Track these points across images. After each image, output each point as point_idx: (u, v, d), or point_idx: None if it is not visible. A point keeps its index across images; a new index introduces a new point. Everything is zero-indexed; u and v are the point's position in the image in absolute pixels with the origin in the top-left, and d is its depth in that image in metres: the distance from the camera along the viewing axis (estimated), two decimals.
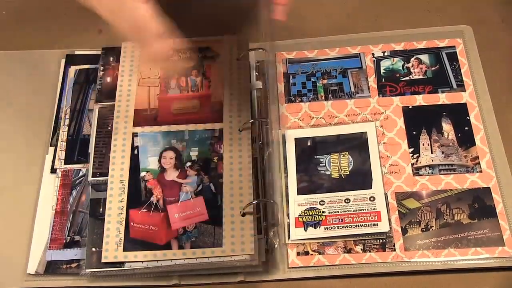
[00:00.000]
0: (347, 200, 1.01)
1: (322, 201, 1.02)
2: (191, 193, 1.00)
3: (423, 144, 1.05)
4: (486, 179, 1.03)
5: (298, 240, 0.99)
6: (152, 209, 0.99)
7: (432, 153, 1.05)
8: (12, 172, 1.08)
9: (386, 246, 0.98)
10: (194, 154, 1.03)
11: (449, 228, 0.99)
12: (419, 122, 1.07)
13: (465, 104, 1.09)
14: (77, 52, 1.18)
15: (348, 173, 1.04)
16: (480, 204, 1.01)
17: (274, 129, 1.08)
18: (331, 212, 1.01)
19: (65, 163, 1.07)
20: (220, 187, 1.00)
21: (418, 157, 1.05)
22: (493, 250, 0.97)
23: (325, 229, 1.00)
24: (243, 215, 0.98)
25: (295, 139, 1.07)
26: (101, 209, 1.01)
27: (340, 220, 1.00)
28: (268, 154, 1.06)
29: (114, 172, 1.02)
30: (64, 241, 1.01)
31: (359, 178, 1.03)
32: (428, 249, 0.97)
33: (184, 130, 1.05)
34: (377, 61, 1.14)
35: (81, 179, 1.05)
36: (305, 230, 1.00)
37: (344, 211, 1.01)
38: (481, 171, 1.03)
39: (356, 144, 1.06)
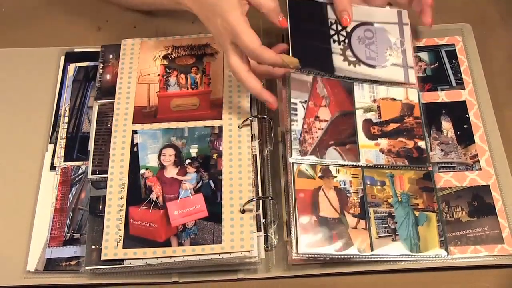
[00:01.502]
0: None
1: None
2: (190, 190, 1.00)
3: None
4: (486, 177, 1.03)
5: None
6: (152, 206, 0.99)
7: (431, 151, 1.05)
8: (11, 169, 1.08)
9: None
10: (193, 151, 1.03)
11: (448, 226, 0.99)
12: None
13: (464, 102, 1.09)
14: (76, 50, 1.18)
15: None
16: (479, 202, 1.01)
17: (274, 126, 1.08)
18: None
19: (64, 161, 1.07)
20: (220, 184, 1.00)
21: None
22: (492, 248, 0.97)
23: None
24: (243, 212, 0.98)
25: None
26: (100, 207, 1.01)
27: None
28: (268, 151, 1.06)
29: (114, 169, 1.02)
30: (64, 239, 1.01)
31: None
32: None
33: (184, 127, 1.05)
34: None
35: (80, 176, 1.05)
36: None
37: None
38: (480, 169, 1.03)
39: None
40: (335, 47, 1.09)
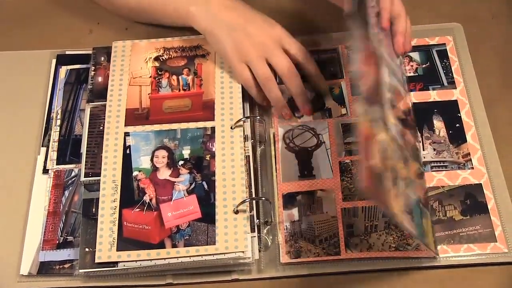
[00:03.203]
0: None
1: None
2: (184, 191, 1.00)
3: None
4: (478, 175, 1.03)
5: None
6: (145, 208, 0.99)
7: (423, 150, 1.05)
8: (3, 173, 1.07)
9: None
10: (186, 152, 1.03)
11: (441, 225, 0.99)
12: None
13: (456, 101, 1.10)
14: (68, 52, 1.18)
15: None
16: (472, 200, 1.01)
17: (267, 126, 1.08)
18: None
19: (57, 164, 1.07)
20: (213, 185, 1.00)
21: None
22: (485, 246, 0.97)
23: None
24: (236, 212, 0.98)
25: None
26: (94, 209, 1.00)
27: None
28: (261, 152, 1.06)
29: (107, 172, 1.02)
30: (57, 242, 1.00)
31: None
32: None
33: (176, 128, 1.05)
34: None
35: (73, 179, 1.05)
36: None
37: None
38: (472, 168, 1.04)
39: None
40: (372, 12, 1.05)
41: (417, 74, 1.13)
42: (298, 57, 1.06)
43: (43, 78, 1.15)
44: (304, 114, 1.09)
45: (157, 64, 1.12)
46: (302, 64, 1.07)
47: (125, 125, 1.06)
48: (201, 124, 1.06)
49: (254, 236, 0.98)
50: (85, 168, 1.04)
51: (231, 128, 1.05)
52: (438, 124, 1.08)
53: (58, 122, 1.10)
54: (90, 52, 1.15)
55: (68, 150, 1.08)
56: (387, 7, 1.02)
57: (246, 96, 1.09)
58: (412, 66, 1.13)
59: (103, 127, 1.06)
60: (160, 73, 1.11)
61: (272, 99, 1.07)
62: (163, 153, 1.04)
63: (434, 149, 1.05)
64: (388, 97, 0.98)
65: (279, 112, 1.08)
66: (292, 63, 1.05)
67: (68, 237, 1.01)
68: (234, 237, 0.96)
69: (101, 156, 1.04)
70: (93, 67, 1.13)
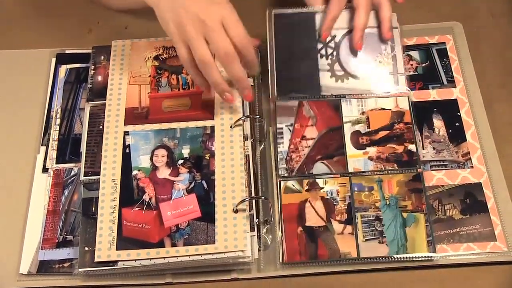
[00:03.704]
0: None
1: None
2: (183, 190, 1.00)
3: None
4: (477, 174, 1.03)
5: None
6: (145, 207, 0.99)
7: (423, 149, 1.05)
8: (3, 172, 1.07)
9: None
10: (186, 151, 1.03)
11: (441, 224, 0.99)
12: None
13: (455, 100, 1.10)
14: (67, 51, 1.18)
15: None
16: (471, 199, 1.01)
17: (266, 125, 1.08)
18: None
19: (56, 163, 1.07)
20: (212, 184, 1.00)
21: None
22: (484, 245, 0.97)
23: None
24: (236, 211, 0.98)
25: None
26: (93, 208, 1.00)
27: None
28: (261, 151, 1.06)
29: (106, 171, 1.02)
30: (57, 241, 1.00)
31: None
32: None
33: (176, 128, 1.05)
34: None
35: (73, 178, 1.05)
36: None
37: None
38: (472, 167, 1.04)
39: None
40: (323, 63, 1.09)
41: (416, 73, 1.12)
42: (237, 40, 0.96)
43: (43, 77, 1.15)
44: (245, 99, 1.06)
45: (156, 63, 1.12)
46: (240, 49, 0.97)
47: (124, 124, 1.06)
48: (200, 123, 1.06)
49: (254, 235, 0.98)
50: (84, 167, 1.04)
51: (231, 127, 1.05)
52: (438, 123, 1.07)
53: (58, 121, 1.10)
54: (90, 51, 1.15)
55: (68, 149, 1.08)
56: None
57: None
58: (411, 65, 1.13)
59: (103, 126, 1.06)
60: (159, 72, 1.11)
61: (212, 83, 0.99)
62: (162, 152, 1.04)
63: (434, 148, 1.05)
64: (349, 136, 1.06)
65: (220, 96, 1.02)
66: (231, 45, 0.95)
67: (67, 236, 1.01)
68: (233, 236, 0.96)
69: (101, 155, 1.03)
70: (93, 66, 1.13)
